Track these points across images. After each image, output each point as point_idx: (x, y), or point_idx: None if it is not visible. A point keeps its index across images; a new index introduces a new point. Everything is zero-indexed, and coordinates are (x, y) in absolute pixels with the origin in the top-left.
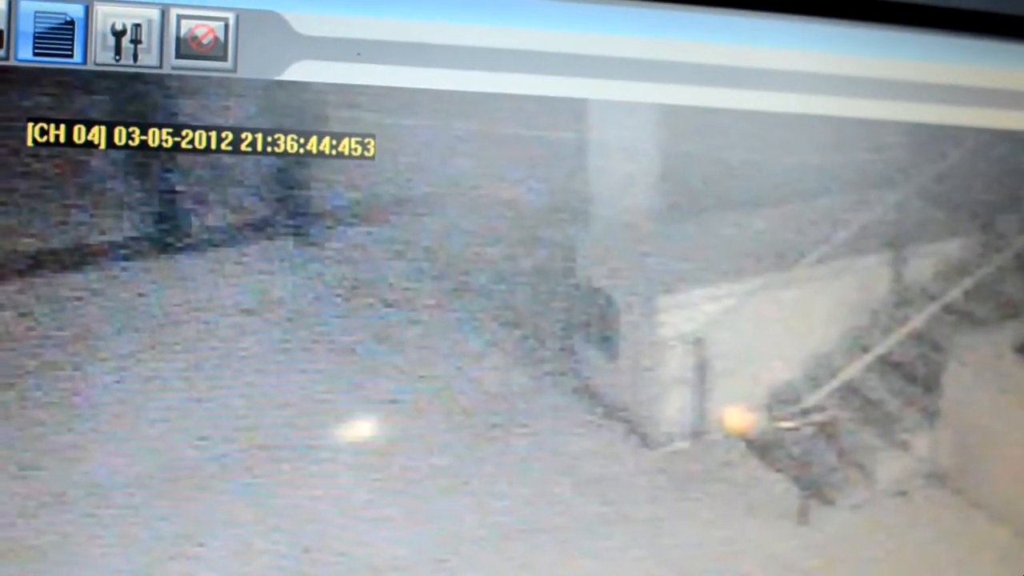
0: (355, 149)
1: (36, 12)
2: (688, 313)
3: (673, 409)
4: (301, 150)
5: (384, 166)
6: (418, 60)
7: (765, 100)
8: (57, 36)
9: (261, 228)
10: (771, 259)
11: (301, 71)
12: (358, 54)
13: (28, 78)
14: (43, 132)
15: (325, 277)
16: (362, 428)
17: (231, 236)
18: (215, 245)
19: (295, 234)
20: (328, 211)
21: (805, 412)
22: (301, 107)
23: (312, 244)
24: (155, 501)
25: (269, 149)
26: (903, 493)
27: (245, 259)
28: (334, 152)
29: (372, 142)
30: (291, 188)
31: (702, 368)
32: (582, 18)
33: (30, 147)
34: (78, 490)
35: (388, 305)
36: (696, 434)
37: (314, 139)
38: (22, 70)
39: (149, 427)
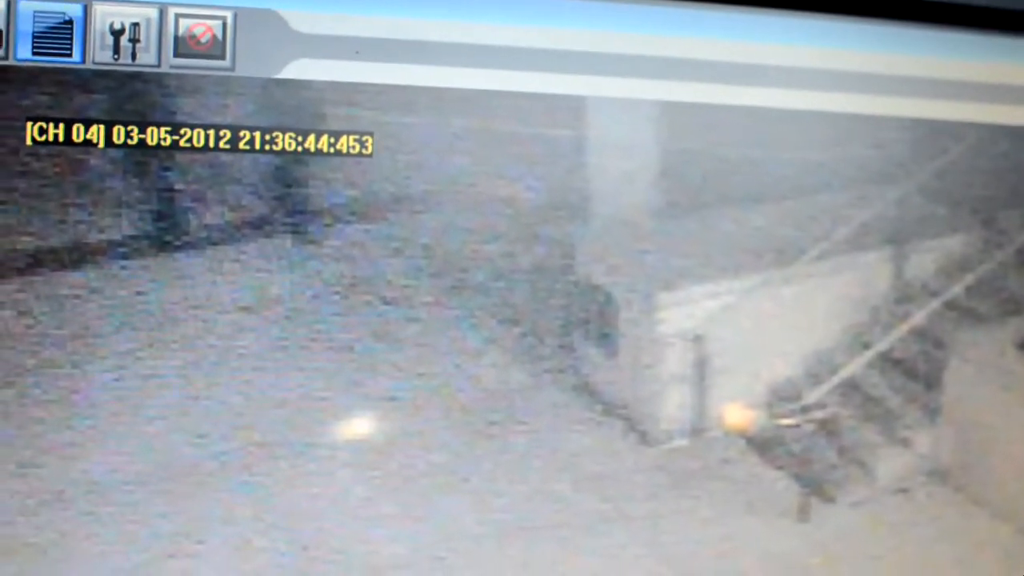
0: (353, 147)
1: (35, 12)
2: (687, 310)
3: (672, 406)
4: (299, 148)
5: (382, 164)
6: (416, 58)
7: (765, 96)
8: (56, 35)
9: (259, 226)
10: (771, 255)
11: (299, 69)
12: (356, 52)
13: (27, 77)
14: (42, 131)
15: (323, 275)
16: (360, 426)
17: (229, 234)
18: (213, 243)
19: (293, 232)
20: (326, 209)
21: (805, 409)
22: (299, 105)
23: (310, 242)
24: (154, 499)
25: (267, 147)
26: (904, 490)
27: (243, 257)
28: (332, 150)
29: (370, 140)
30: (289, 186)
31: (701, 365)
32: (582, 15)
33: (29, 146)
34: (77, 488)
35: (386, 303)
36: (696, 431)
37: (312, 137)
38: (21, 69)
39: (147, 425)
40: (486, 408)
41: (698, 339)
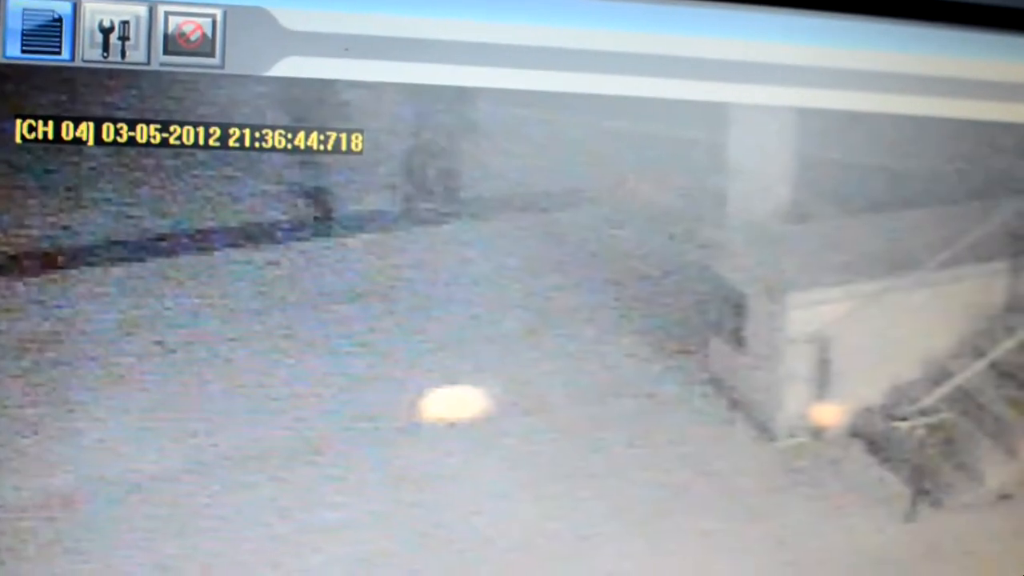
0: (343, 144)
1: (24, 9)
2: (814, 311)
3: (795, 404)
4: (289, 146)
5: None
6: (406, 55)
7: (902, 104)
8: (45, 33)
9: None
10: (897, 261)
11: (289, 67)
12: (346, 49)
13: (16, 75)
14: (31, 129)
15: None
16: (494, 411)
17: (224, 231)
18: (207, 240)
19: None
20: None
21: (920, 413)
22: (289, 103)
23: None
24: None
25: (257, 145)
26: (1009, 497)
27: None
28: (322, 147)
29: (360, 137)
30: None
31: (824, 365)
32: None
33: (18, 144)
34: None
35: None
36: (815, 429)
37: (302, 134)
38: (10, 67)
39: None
40: (615, 395)
41: (822, 340)
